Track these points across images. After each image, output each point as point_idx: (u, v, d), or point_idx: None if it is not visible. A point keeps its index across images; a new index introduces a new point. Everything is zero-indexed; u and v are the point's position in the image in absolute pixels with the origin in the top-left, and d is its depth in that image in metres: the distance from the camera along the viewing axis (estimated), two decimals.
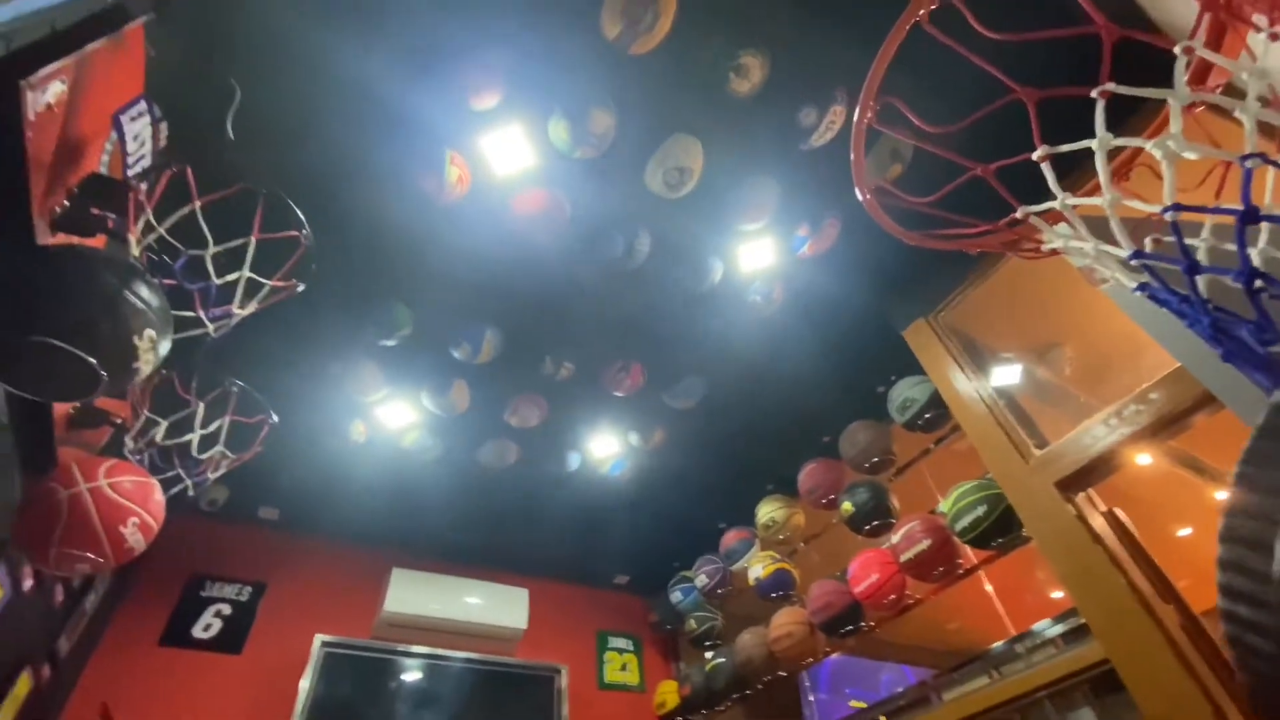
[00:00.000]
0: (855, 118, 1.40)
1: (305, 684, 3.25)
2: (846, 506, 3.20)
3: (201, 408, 1.88)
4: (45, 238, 1.31)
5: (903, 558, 2.80)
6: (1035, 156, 1.08)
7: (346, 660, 3.47)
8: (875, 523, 3.13)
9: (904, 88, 1.36)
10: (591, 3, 1.98)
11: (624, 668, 4.49)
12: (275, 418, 2.08)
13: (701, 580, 4.06)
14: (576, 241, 2.62)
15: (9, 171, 1.21)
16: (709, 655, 4.00)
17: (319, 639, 3.45)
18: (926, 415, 3.03)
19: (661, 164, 2.39)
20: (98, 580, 2.85)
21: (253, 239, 1.47)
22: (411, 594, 3.75)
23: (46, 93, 1.23)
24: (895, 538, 2.90)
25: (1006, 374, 2.87)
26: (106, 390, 1.27)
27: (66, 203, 1.39)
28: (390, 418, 3.16)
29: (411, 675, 3.66)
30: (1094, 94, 0.99)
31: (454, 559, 4.10)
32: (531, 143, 2.28)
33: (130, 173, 1.57)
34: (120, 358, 1.22)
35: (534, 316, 2.91)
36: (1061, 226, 1.12)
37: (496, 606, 3.97)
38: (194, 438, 1.86)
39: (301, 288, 1.69)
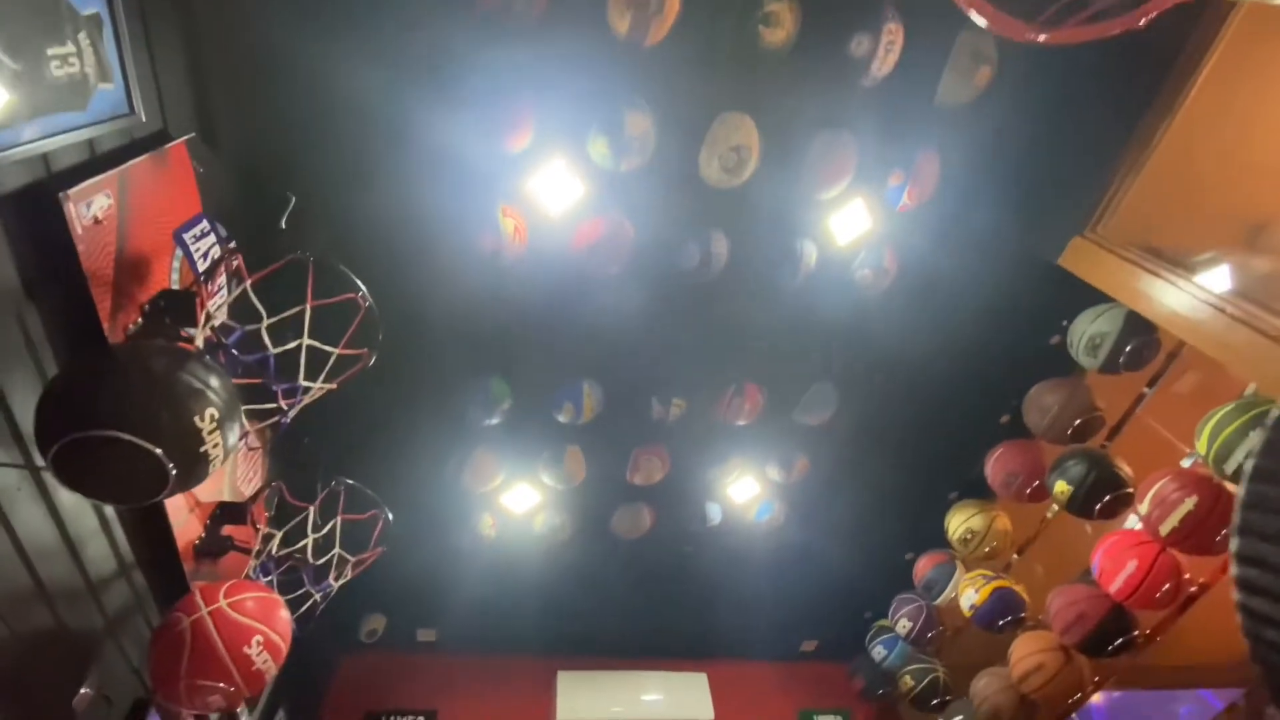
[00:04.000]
0: None
1: None
2: (1061, 488, 2.55)
3: (312, 512, 1.82)
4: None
5: (1162, 529, 2.12)
6: None
7: None
8: (1106, 498, 2.45)
9: None
10: (593, 5, 1.90)
11: None
12: (390, 514, 1.97)
13: (904, 626, 3.40)
14: (649, 265, 2.44)
15: (68, 284, 1.23)
16: (941, 717, 3.25)
17: None
18: (1128, 348, 2.41)
19: (714, 150, 2.19)
20: None
21: (307, 306, 1.41)
22: (583, 698, 3.44)
23: (92, 206, 1.26)
24: (1142, 508, 2.22)
25: (1216, 273, 2.23)
26: (181, 484, 1.19)
27: (140, 320, 1.42)
28: (514, 503, 3.02)
29: None
30: None
31: (620, 652, 3.75)
32: (577, 172, 2.18)
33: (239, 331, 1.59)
34: (185, 443, 1.14)
35: (627, 358, 2.72)
36: None
37: (676, 697, 3.54)
38: (308, 542, 1.78)
39: (373, 359, 1.61)
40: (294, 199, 1.86)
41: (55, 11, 1.17)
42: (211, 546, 1.80)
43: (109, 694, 1.57)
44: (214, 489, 1.88)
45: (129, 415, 1.08)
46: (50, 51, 1.16)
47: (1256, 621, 0.48)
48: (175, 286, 1.53)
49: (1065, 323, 2.67)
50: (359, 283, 1.54)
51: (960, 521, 3.11)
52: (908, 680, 3.46)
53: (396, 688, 3.53)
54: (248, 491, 2.01)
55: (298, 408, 1.46)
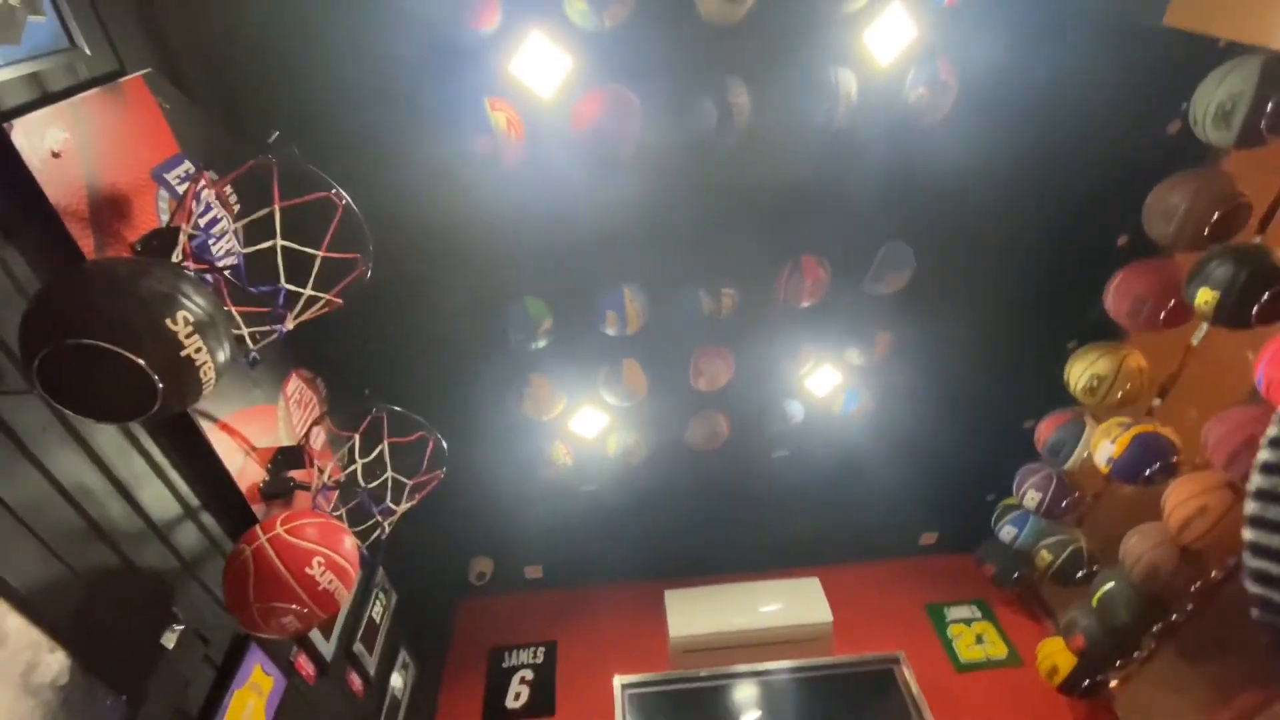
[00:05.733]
0: None
1: None
2: (1204, 297, 2.11)
3: (356, 440, 1.80)
4: None
5: None
6: None
7: (652, 698, 3.20)
8: (1264, 296, 1.99)
9: None
10: None
11: (980, 639, 3.52)
12: (439, 436, 1.93)
13: (1032, 498, 3.04)
14: (664, 137, 2.20)
15: (40, 220, 1.21)
16: (1092, 589, 2.90)
17: (618, 682, 3.25)
18: (1270, 105, 1.91)
19: None
20: (404, 669, 2.98)
21: (275, 206, 1.33)
22: (694, 614, 3.38)
23: (46, 139, 1.23)
24: None
25: None
26: (175, 396, 1.16)
27: (135, 248, 1.40)
28: (583, 428, 2.95)
29: (725, 698, 3.25)
30: None
31: (724, 567, 3.66)
32: (559, 42, 1.97)
33: (204, 235, 1.57)
34: (163, 350, 1.09)
35: (661, 252, 2.52)
36: None
37: (791, 604, 3.40)
38: (356, 468, 1.77)
39: (369, 269, 1.53)
40: (277, 133, 1.78)
41: None
42: (275, 488, 1.84)
43: (204, 634, 1.64)
44: (270, 435, 1.92)
45: (97, 322, 1.04)
46: None
47: (1269, 585, 0.46)
48: (161, 220, 1.51)
49: (1184, 104, 2.17)
50: (330, 180, 1.45)
51: (1083, 369, 2.70)
52: (1045, 556, 3.12)
53: (514, 624, 3.65)
54: (301, 433, 2.03)
55: (294, 317, 1.40)
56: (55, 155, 1.25)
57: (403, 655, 2.94)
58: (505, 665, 3.46)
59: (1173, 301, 2.30)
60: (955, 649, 3.48)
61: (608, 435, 3.01)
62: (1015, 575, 3.45)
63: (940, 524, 3.86)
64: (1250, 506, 0.48)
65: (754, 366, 2.92)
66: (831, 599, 3.37)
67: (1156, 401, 2.78)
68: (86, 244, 1.30)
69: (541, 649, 3.52)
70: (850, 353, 2.95)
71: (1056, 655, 3.01)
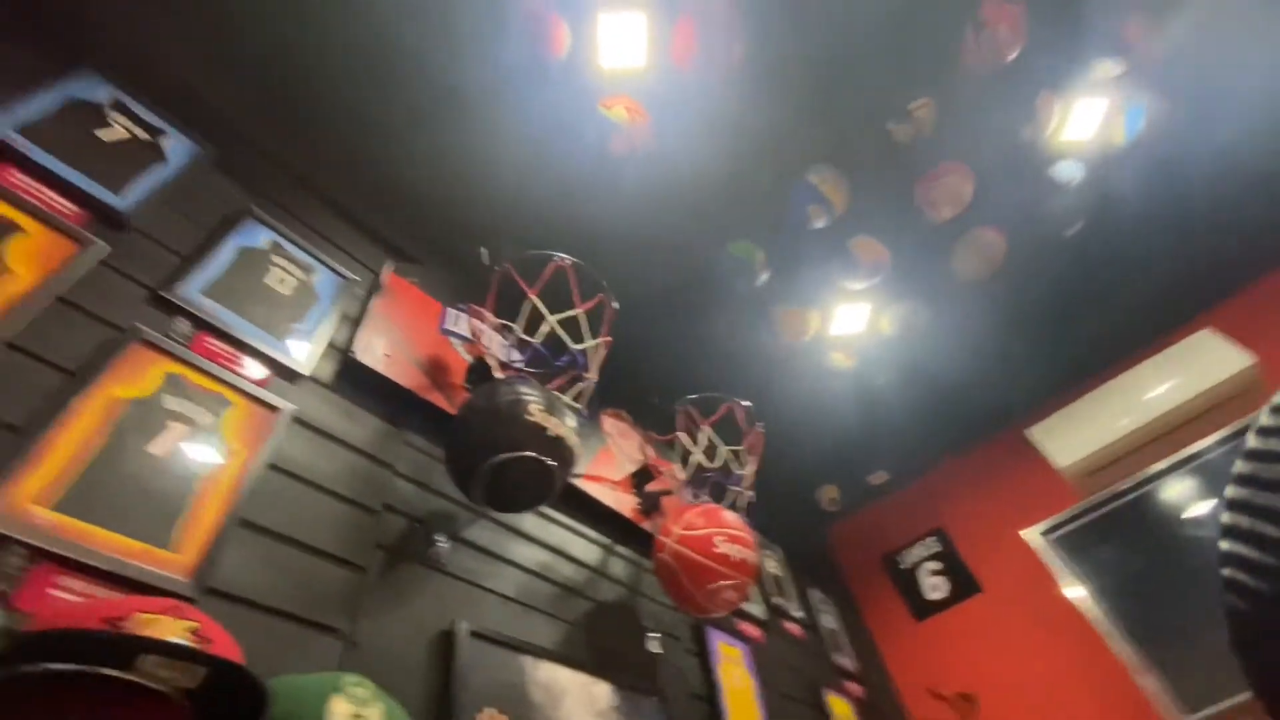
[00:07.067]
0: None
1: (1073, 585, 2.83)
2: None
3: (675, 439, 1.98)
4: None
5: None
6: None
7: (1077, 534, 2.95)
8: None
9: None
10: None
11: None
12: (738, 401, 2.04)
13: None
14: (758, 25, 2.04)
15: (389, 398, 1.57)
16: None
17: (1030, 534, 3.04)
18: None
19: None
20: (824, 604, 3.17)
21: (529, 295, 1.54)
22: (1073, 437, 3.02)
23: (372, 348, 1.59)
24: None
25: None
26: (565, 467, 1.40)
27: (467, 387, 1.73)
28: (848, 326, 2.84)
29: (1158, 499, 2.86)
30: None
31: (1068, 383, 3.22)
32: (622, 6, 1.95)
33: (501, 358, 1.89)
34: (537, 436, 1.34)
35: (823, 115, 2.31)
36: None
37: (1183, 374, 2.85)
38: (695, 457, 1.94)
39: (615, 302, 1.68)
40: (486, 251, 2.04)
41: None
42: (648, 504, 2.11)
43: (673, 633, 1.95)
44: (618, 469, 2.21)
45: (490, 444, 1.32)
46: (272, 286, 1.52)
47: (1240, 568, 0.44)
48: (467, 359, 1.84)
49: None
50: (551, 253, 1.63)
51: None
52: None
53: (888, 529, 3.65)
54: (640, 457, 2.30)
55: (595, 368, 1.61)
56: (387, 356, 1.61)
57: (814, 595, 3.13)
58: (903, 566, 3.48)
59: None
60: None
61: (878, 319, 2.86)
62: None
63: None
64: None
65: (991, 157, 2.52)
66: (1239, 338, 2.73)
67: None
68: (438, 399, 1.65)
69: (931, 539, 3.46)
70: (1101, 66, 2.37)
71: None
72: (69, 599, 0.85)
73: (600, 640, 1.67)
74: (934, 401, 3.26)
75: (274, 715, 0.80)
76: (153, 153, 1.46)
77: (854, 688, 2.76)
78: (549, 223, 2.28)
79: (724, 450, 1.99)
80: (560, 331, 1.60)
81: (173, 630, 0.72)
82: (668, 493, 2.10)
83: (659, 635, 1.85)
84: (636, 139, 2.15)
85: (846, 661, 2.86)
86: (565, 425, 1.41)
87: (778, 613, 2.67)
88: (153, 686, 0.63)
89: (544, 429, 1.35)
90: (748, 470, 2.04)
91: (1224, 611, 0.44)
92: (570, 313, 1.62)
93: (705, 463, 1.99)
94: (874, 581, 3.58)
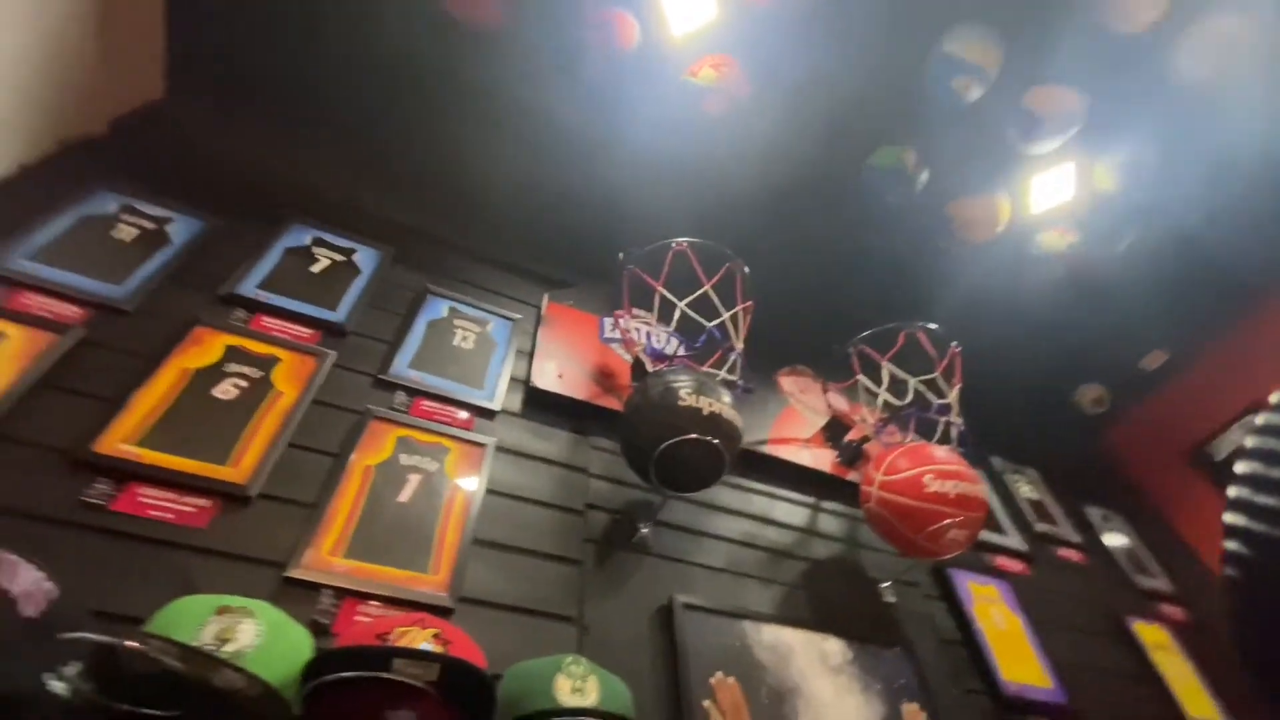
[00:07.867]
0: None
1: None
2: None
3: (859, 381, 1.86)
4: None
5: None
6: None
7: None
8: None
9: None
10: None
11: None
12: (916, 328, 1.86)
13: None
14: None
15: (560, 412, 1.73)
16: None
17: None
18: None
19: None
20: (1107, 521, 2.70)
21: (658, 288, 1.59)
22: None
23: (544, 373, 1.79)
24: None
25: None
26: (730, 445, 1.44)
27: (634, 385, 1.85)
28: (1052, 195, 2.38)
29: None
30: None
31: None
32: None
33: (660, 349, 2.00)
34: (699, 419, 1.40)
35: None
36: None
37: None
38: (881, 396, 1.81)
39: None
40: (622, 254, 2.14)
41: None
42: (848, 455, 2.03)
43: (909, 580, 1.85)
44: (807, 426, 2.15)
45: (657, 431, 1.41)
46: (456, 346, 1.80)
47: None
48: (629, 360, 1.96)
49: None
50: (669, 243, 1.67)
51: None
52: None
53: (1188, 418, 2.95)
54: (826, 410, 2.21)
55: (739, 339, 1.61)
56: (560, 376, 1.80)
57: (1093, 513, 2.68)
58: (1219, 459, 2.79)
59: None
60: None
61: (1088, 176, 2.36)
62: None
63: None
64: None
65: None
66: None
67: None
68: (613, 403, 1.79)
69: (1252, 415, 2.72)
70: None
71: None
72: (365, 621, 1.13)
73: (823, 597, 1.67)
74: (1198, 252, 2.57)
75: (510, 695, 0.98)
76: (351, 270, 1.83)
77: (1171, 610, 2.30)
78: (686, 209, 2.29)
79: (913, 382, 1.83)
80: (691, 313, 1.63)
81: (421, 638, 0.93)
82: (866, 439, 1.99)
83: (888, 584, 1.77)
84: (733, 91, 2.09)
85: (1155, 582, 2.40)
86: (720, 401, 1.44)
87: (1045, 540, 2.35)
88: (408, 681, 0.82)
89: (699, 410, 1.40)
90: (953, 396, 1.84)
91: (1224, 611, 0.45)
92: (698, 292, 1.63)
93: (894, 400, 1.85)
94: (1184, 483, 2.93)
